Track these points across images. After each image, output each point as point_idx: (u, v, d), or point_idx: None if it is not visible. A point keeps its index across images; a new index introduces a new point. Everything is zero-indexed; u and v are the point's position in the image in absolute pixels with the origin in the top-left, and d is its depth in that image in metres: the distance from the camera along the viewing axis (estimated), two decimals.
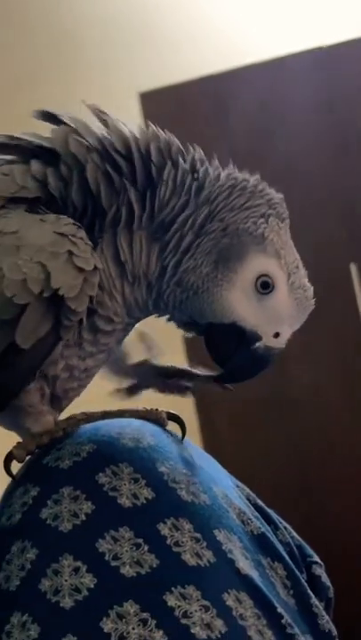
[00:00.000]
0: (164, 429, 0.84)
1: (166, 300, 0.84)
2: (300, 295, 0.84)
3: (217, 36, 3.33)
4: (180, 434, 0.85)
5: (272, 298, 0.83)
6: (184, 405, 2.78)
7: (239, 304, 0.83)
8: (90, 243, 0.78)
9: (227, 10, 3.39)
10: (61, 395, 0.85)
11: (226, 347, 0.85)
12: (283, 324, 0.84)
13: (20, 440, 0.83)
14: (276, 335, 0.84)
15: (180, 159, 0.83)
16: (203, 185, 0.83)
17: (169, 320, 0.89)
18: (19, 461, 0.82)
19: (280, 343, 0.84)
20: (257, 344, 0.84)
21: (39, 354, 0.77)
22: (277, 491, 2.54)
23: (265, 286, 0.82)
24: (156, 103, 3.06)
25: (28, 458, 0.82)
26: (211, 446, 2.80)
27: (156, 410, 0.85)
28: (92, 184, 0.81)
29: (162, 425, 0.84)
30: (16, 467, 0.82)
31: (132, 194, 0.81)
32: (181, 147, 0.85)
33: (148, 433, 0.80)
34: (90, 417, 0.83)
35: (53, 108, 0.86)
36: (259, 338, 0.84)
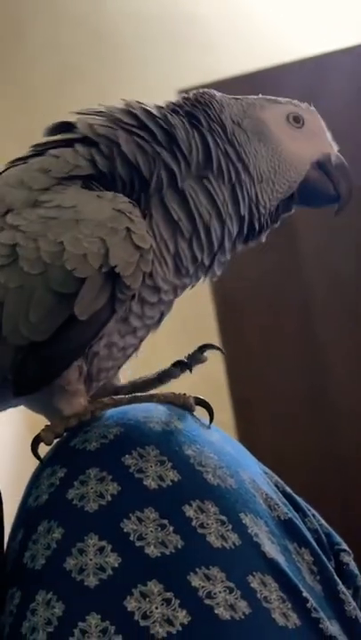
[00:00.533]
0: (192, 414, 0.84)
1: (248, 210, 0.89)
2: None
3: (256, 34, 3.33)
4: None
5: (308, 126, 0.93)
6: (221, 405, 2.78)
7: (300, 149, 0.92)
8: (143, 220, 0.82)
9: (266, 7, 3.38)
10: (94, 375, 0.86)
11: (322, 185, 0.94)
12: (328, 140, 0.95)
13: (48, 423, 0.84)
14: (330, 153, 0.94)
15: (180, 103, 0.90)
16: (203, 112, 0.88)
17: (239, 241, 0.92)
18: (46, 444, 0.83)
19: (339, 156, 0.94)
20: (333, 161, 0.94)
21: (94, 326, 0.80)
22: (314, 490, 2.53)
23: (297, 120, 0.92)
24: None
25: (55, 440, 0.83)
26: (248, 447, 2.80)
27: (184, 395, 0.86)
28: (130, 157, 0.85)
29: (190, 409, 0.85)
30: (43, 449, 0.83)
31: (163, 154, 0.85)
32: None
33: (175, 416, 0.81)
34: (118, 401, 0.84)
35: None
36: (329, 158, 0.94)
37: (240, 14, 3.39)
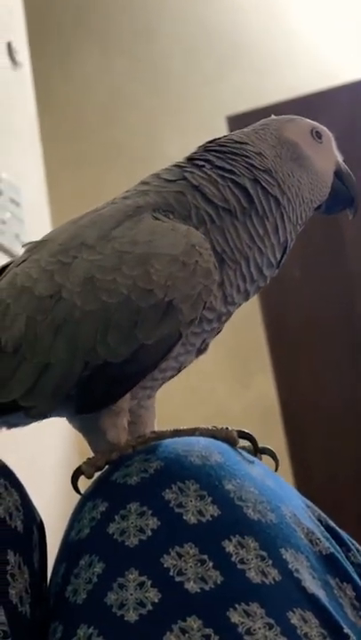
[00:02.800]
0: (234, 448, 0.85)
1: (293, 224, 0.94)
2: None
3: (304, 58, 3.34)
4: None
5: (325, 138, 0.99)
6: (274, 432, 2.76)
7: (325, 163, 0.98)
8: (211, 251, 0.87)
9: (314, 31, 3.39)
10: (134, 392, 0.88)
11: (341, 192, 1.00)
12: (335, 151, 1.01)
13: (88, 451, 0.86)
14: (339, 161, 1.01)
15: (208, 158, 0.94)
16: (244, 164, 0.93)
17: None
18: (87, 477, 0.84)
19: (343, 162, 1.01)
20: (343, 169, 1.00)
21: (162, 349, 0.84)
22: None
23: (319, 135, 0.98)
24: (244, 126, 3.07)
25: (96, 474, 0.84)
26: (301, 477, 2.78)
27: (227, 428, 0.86)
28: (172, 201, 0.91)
29: (232, 443, 0.85)
30: (83, 482, 0.84)
31: (200, 204, 0.90)
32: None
33: (216, 451, 0.81)
34: (160, 435, 0.85)
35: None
36: (340, 166, 1.00)
37: (287, 40, 3.41)
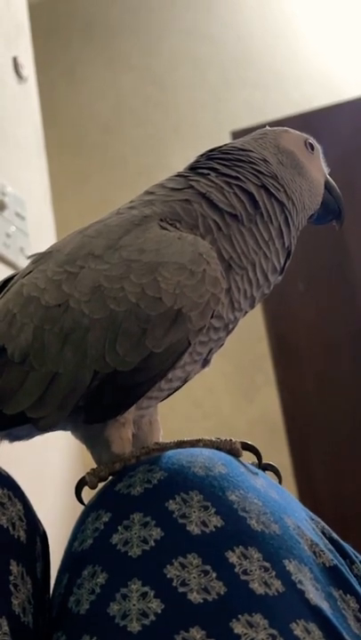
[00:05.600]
0: (238, 459, 0.85)
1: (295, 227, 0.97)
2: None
3: (310, 75, 3.34)
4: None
5: (316, 153, 1.02)
6: (278, 447, 2.75)
7: (317, 173, 1.01)
8: (217, 260, 0.87)
9: (318, 48, 3.40)
10: (139, 402, 0.88)
11: (330, 203, 1.03)
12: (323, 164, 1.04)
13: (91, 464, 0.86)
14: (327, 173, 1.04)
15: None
16: (250, 169, 0.95)
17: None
18: (91, 488, 0.84)
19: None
20: (330, 181, 1.03)
21: (171, 357, 0.84)
22: None
23: (311, 146, 1.00)
24: None
25: (100, 485, 0.84)
26: (305, 492, 2.77)
27: (231, 440, 0.86)
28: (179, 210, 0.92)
29: (236, 455, 0.85)
30: (87, 493, 0.84)
31: (206, 212, 0.92)
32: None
33: (219, 462, 0.81)
34: (163, 447, 0.85)
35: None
36: (332, 182, 1.04)
37: (293, 55, 3.42)
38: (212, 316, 0.86)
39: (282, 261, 0.94)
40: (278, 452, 2.89)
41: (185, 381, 0.95)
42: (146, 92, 3.48)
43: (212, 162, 0.96)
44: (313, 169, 1.00)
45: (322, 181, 1.01)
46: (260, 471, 0.86)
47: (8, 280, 0.97)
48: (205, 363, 0.95)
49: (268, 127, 1.02)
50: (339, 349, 3.00)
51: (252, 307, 0.95)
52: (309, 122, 3.08)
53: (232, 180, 0.93)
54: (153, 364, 0.82)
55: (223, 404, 3.13)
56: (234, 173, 0.93)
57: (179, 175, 0.96)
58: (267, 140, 0.98)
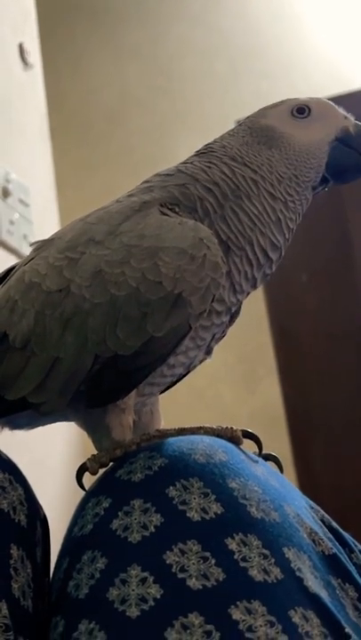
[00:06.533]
0: (238, 447, 0.85)
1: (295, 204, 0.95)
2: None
3: (317, 64, 3.34)
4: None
5: (316, 111, 0.98)
6: (279, 437, 2.75)
7: (313, 135, 0.96)
8: (218, 245, 0.88)
9: (328, 38, 3.39)
10: (141, 388, 0.89)
11: (347, 157, 0.97)
12: (342, 115, 0.99)
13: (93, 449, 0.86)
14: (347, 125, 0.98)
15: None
16: (215, 155, 0.96)
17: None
18: (91, 474, 0.85)
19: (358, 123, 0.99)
20: (353, 131, 0.98)
21: (172, 342, 0.84)
22: None
23: (301, 111, 0.97)
24: None
25: (101, 470, 0.84)
26: (305, 483, 2.77)
27: (232, 428, 0.87)
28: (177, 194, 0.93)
29: (237, 443, 0.86)
30: (88, 478, 0.84)
31: (200, 192, 0.92)
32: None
33: (220, 449, 0.81)
34: (164, 434, 0.85)
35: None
36: (348, 130, 0.98)
37: (300, 44, 3.41)
38: (212, 300, 0.86)
39: (278, 237, 0.93)
40: (279, 443, 2.89)
41: (188, 369, 0.95)
42: (152, 81, 3.48)
43: (192, 157, 0.98)
44: (302, 133, 0.97)
45: (322, 140, 0.97)
46: (260, 459, 0.86)
47: (11, 269, 0.97)
48: (208, 351, 0.95)
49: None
50: (341, 340, 3.00)
51: (254, 287, 0.95)
52: None
53: (208, 164, 0.94)
54: (154, 348, 0.83)
55: (225, 394, 3.14)
56: (206, 161, 0.95)
57: (171, 167, 0.98)
58: (244, 124, 0.99)
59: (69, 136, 3.44)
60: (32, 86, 2.79)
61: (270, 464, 0.89)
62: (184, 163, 0.98)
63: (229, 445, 0.84)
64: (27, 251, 2.44)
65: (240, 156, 0.95)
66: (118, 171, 3.37)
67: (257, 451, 0.89)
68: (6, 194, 2.45)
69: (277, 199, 0.94)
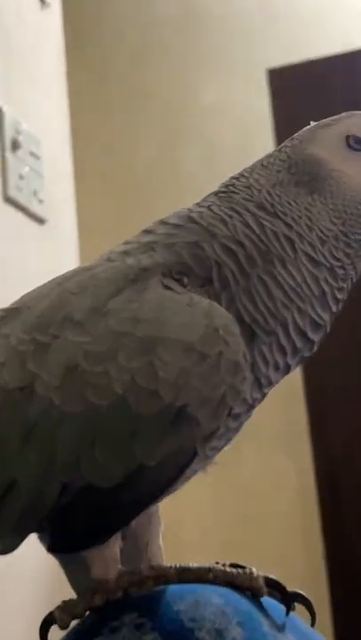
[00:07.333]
0: (259, 608, 0.67)
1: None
2: None
3: (355, 11, 3.13)
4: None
5: None
6: (297, 415, 2.61)
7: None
8: (240, 336, 0.67)
9: None
10: None
11: None
12: None
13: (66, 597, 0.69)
14: None
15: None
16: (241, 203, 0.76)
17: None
18: (61, 628, 0.67)
19: None
20: None
21: (168, 472, 0.64)
22: None
23: (356, 141, 0.76)
24: (285, 80, 2.91)
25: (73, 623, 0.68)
26: (321, 457, 2.65)
27: (251, 573, 0.69)
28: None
29: (257, 594, 0.68)
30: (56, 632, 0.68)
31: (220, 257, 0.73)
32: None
33: (234, 619, 0.64)
34: (161, 576, 0.67)
35: None
36: None
37: None
38: (229, 414, 0.66)
39: (323, 314, 0.73)
40: (296, 417, 2.76)
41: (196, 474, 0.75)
42: (177, 21, 3.26)
43: (213, 195, 0.78)
44: (357, 172, 0.75)
45: None
46: (287, 622, 0.68)
47: None
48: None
49: (312, 123, 0.79)
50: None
51: (287, 373, 0.75)
52: (354, 62, 2.87)
53: (230, 211, 0.74)
54: (143, 481, 0.63)
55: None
56: (228, 205, 0.75)
57: (182, 210, 0.77)
58: (286, 148, 0.78)
59: (87, 80, 3.25)
60: (49, 27, 2.64)
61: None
62: (200, 205, 0.77)
63: (247, 607, 0.66)
64: (36, 208, 2.31)
65: (271, 203, 0.74)
66: (139, 117, 3.18)
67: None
68: (16, 146, 2.30)
69: (321, 265, 0.73)
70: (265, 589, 0.68)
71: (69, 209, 2.62)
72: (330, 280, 0.73)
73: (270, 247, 0.72)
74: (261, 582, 0.68)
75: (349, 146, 0.75)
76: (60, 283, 0.72)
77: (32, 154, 2.38)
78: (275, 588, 0.69)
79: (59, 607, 0.67)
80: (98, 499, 0.63)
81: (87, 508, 0.64)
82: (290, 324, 0.71)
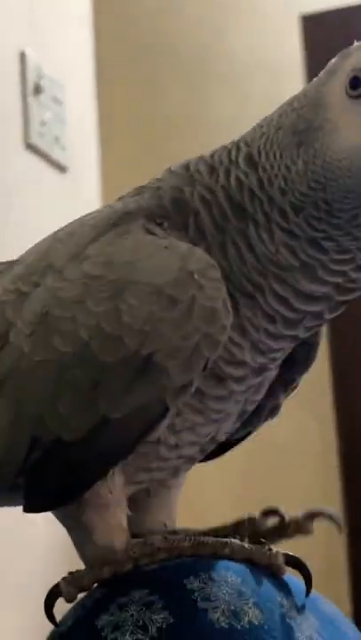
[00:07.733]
0: (280, 588, 0.62)
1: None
2: None
3: None
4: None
5: None
6: (320, 378, 2.56)
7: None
8: (222, 281, 0.60)
9: None
10: (130, 475, 0.65)
11: None
12: None
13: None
14: None
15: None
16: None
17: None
18: (67, 601, 0.63)
19: None
20: None
21: (137, 427, 0.60)
22: None
23: (354, 84, 0.60)
24: (319, 26, 2.81)
25: (80, 597, 0.63)
26: (348, 428, 2.61)
27: (270, 550, 0.63)
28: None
29: (277, 573, 0.63)
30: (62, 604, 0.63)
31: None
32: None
33: (251, 600, 0.59)
34: (174, 549, 0.62)
35: None
36: None
37: None
38: (205, 367, 0.60)
39: (313, 286, 0.62)
40: (320, 373, 2.71)
41: (215, 441, 0.69)
42: None
43: (232, 142, 0.69)
44: (346, 126, 0.61)
45: None
46: (307, 601, 0.63)
47: None
48: (270, 413, 0.72)
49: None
50: None
51: (294, 343, 0.67)
52: None
53: (225, 158, 0.67)
54: (109, 436, 0.59)
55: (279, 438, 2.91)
56: (227, 151, 0.67)
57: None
58: (314, 82, 0.64)
59: (112, 25, 3.16)
60: None
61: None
62: (212, 153, 0.69)
63: (264, 587, 0.60)
64: (58, 155, 2.26)
65: (259, 152, 0.64)
66: (166, 63, 3.10)
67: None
68: (38, 90, 2.24)
69: (298, 237, 0.62)
70: (284, 568, 0.63)
71: (92, 157, 2.57)
72: (311, 252, 0.62)
73: (244, 205, 0.64)
74: (281, 560, 0.62)
75: (347, 93, 0.61)
76: (56, 232, 0.69)
77: (55, 99, 2.32)
78: (296, 568, 0.63)
79: (65, 579, 0.63)
80: (67, 454, 0.60)
81: (58, 464, 0.61)
82: (266, 291, 0.63)
